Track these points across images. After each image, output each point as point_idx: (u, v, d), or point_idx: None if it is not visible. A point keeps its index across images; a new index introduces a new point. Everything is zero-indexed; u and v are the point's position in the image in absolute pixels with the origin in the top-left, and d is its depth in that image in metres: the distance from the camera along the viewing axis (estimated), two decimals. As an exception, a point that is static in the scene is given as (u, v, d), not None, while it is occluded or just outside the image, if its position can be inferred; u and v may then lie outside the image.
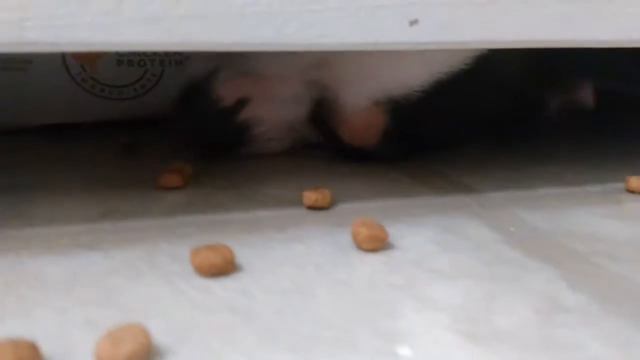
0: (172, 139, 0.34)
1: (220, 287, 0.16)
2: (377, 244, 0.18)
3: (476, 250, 0.19)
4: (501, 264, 0.18)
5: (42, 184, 0.25)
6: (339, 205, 0.23)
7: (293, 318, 0.14)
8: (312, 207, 0.23)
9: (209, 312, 0.15)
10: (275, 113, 0.27)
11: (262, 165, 0.28)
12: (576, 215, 0.22)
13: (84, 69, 0.35)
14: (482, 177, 0.27)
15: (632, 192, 0.25)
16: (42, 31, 0.17)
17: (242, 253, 0.18)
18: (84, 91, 0.35)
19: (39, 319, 0.14)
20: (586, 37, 0.21)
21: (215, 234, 0.20)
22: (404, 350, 0.13)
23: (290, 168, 0.28)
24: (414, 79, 0.25)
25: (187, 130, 0.28)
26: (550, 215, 0.22)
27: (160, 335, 0.14)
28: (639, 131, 0.37)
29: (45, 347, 0.13)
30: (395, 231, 0.20)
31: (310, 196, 0.23)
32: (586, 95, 0.37)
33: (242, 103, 0.27)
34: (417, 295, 0.16)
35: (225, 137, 0.28)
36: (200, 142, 0.29)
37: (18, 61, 0.33)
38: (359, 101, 0.26)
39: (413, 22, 0.20)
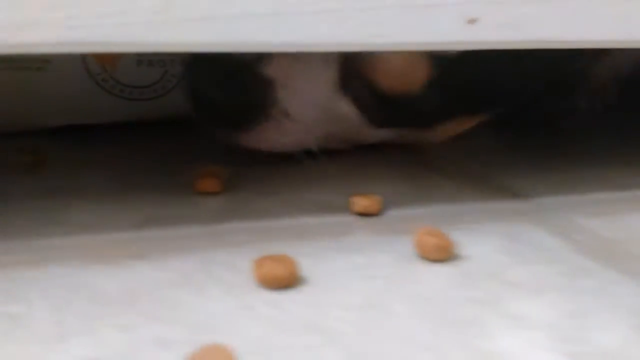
0: (199, 141, 0.33)
1: (290, 301, 0.15)
2: (445, 254, 0.18)
3: (549, 261, 0.18)
4: (581, 276, 0.17)
5: (73, 188, 0.24)
6: (388, 211, 0.22)
7: (380, 337, 0.13)
8: (362, 214, 0.22)
9: (287, 330, 0.14)
10: (303, 73, 0.24)
11: (297, 169, 0.27)
12: (636, 221, 0.22)
13: (104, 69, 0.33)
14: (528, 181, 0.26)
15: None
16: (89, 31, 0.16)
17: (301, 263, 0.17)
18: (103, 92, 0.34)
19: (106, 338, 0.13)
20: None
21: (267, 242, 0.19)
22: (508, 374, 0.12)
23: (325, 172, 0.27)
24: None
25: (201, 96, 0.24)
26: (610, 221, 0.21)
27: (242, 356, 0.13)
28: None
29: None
30: (456, 240, 0.19)
31: (360, 202, 0.22)
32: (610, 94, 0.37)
33: (263, 57, 0.23)
34: (504, 312, 0.15)
35: (249, 96, 0.24)
36: (216, 110, 0.24)
37: (37, 60, 0.32)
38: None
39: (471, 21, 0.19)
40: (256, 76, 0.23)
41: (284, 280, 0.16)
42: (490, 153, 0.32)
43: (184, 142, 0.33)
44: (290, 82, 0.24)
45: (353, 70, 0.25)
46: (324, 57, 0.24)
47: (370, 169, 0.27)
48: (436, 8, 0.18)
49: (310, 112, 0.25)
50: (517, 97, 0.29)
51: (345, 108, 0.26)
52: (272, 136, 0.25)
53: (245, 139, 0.25)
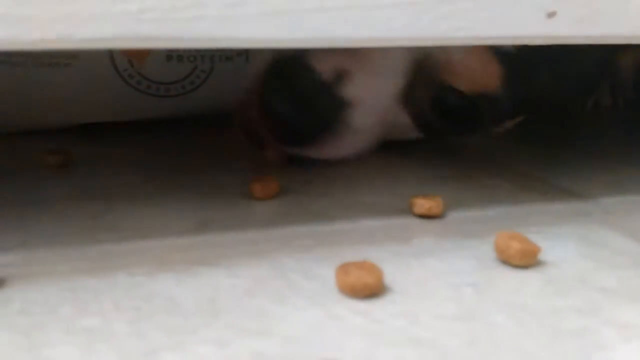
0: (229, 138, 0.32)
1: (381, 311, 0.14)
2: (530, 259, 0.17)
3: (635, 266, 0.17)
4: (676, 282, 0.16)
5: (109, 190, 0.23)
6: (450, 213, 0.21)
7: (489, 350, 0.13)
8: (424, 216, 0.21)
9: (389, 344, 0.13)
10: (374, 87, 0.24)
11: (348, 172, 0.26)
12: None
13: (131, 64, 0.32)
14: (583, 182, 0.25)
15: None
16: (161, 24, 0.15)
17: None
18: (130, 88, 0.33)
19: (200, 353, 0.12)
20: None
21: (335, 247, 0.18)
22: (643, 390, 0.11)
23: (377, 174, 0.26)
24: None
25: (276, 112, 0.24)
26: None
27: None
28: None
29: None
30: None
31: (423, 204, 0.21)
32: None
33: (341, 76, 0.23)
34: (612, 322, 0.14)
35: (323, 115, 0.24)
36: (289, 126, 0.24)
37: (64, 56, 0.31)
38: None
39: (551, 14, 0.18)
40: (333, 97, 0.23)
41: (372, 288, 0.15)
42: (533, 152, 0.31)
43: (214, 139, 0.32)
44: (363, 99, 0.24)
45: (425, 77, 0.24)
46: (394, 69, 0.24)
47: (418, 170, 0.27)
48: (516, 0, 0.18)
49: (372, 122, 0.25)
50: (564, 94, 0.28)
51: (403, 117, 0.26)
52: (334, 147, 0.25)
53: (308, 151, 0.25)
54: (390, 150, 0.27)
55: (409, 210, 0.21)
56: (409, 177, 0.25)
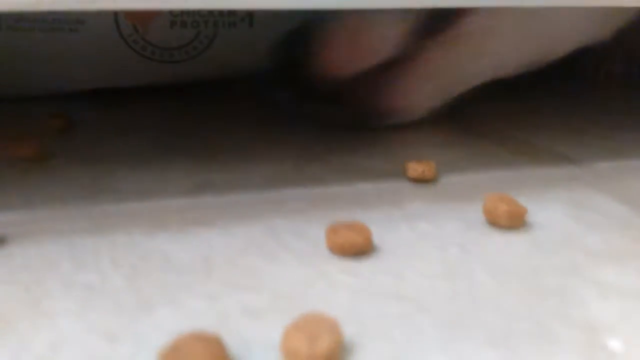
0: (230, 104, 0.32)
1: (369, 270, 0.15)
2: (517, 220, 0.17)
3: (624, 228, 0.17)
4: (659, 243, 0.16)
5: (113, 154, 0.24)
6: (443, 178, 0.22)
7: (471, 307, 0.13)
8: (417, 180, 0.21)
9: (375, 299, 0.13)
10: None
11: (344, 136, 0.26)
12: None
13: (136, 30, 0.32)
14: (579, 147, 0.25)
15: None
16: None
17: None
18: (135, 53, 0.33)
19: (193, 307, 0.13)
20: None
21: (328, 210, 0.18)
22: (614, 343, 0.12)
23: (373, 139, 0.26)
24: None
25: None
26: (672, 188, 0.21)
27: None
28: None
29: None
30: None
31: (416, 168, 0.21)
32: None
33: None
34: (593, 280, 0.14)
35: None
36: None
37: (70, 22, 0.31)
38: None
39: None
40: None
41: (360, 247, 0.15)
42: (531, 118, 0.31)
43: (215, 106, 0.33)
44: None
45: None
46: None
47: (413, 135, 0.27)
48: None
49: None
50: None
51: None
52: None
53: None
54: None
55: (403, 175, 0.22)
56: (404, 143, 0.25)
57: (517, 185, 0.21)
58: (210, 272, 0.14)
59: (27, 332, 0.12)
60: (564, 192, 0.20)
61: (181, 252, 0.15)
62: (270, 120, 0.30)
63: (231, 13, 0.35)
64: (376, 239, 0.17)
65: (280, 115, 0.31)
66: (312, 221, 0.18)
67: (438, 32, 0.24)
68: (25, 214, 0.18)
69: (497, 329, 0.12)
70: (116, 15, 0.32)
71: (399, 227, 0.18)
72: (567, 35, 0.26)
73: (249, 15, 0.35)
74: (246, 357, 0.11)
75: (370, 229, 0.16)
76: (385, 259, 0.15)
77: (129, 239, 0.16)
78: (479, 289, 0.14)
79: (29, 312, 0.13)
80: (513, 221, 0.17)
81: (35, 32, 0.30)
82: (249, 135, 0.26)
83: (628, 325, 0.13)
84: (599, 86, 0.37)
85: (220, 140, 0.26)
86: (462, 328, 0.12)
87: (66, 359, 0.11)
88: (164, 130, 0.27)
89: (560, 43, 0.26)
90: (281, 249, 0.16)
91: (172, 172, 0.22)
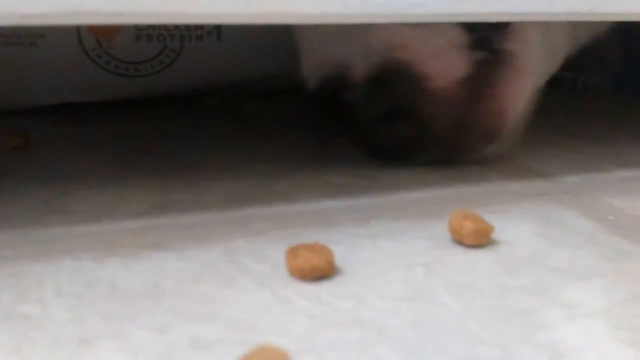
0: (196, 120, 0.32)
1: (329, 294, 0.14)
2: (484, 239, 0.17)
3: (589, 244, 0.17)
4: (623, 259, 0.16)
5: (69, 172, 0.23)
6: (412, 193, 0.21)
7: (433, 331, 0.13)
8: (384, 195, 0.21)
9: (333, 326, 0.13)
10: None
11: (313, 151, 0.26)
12: (664, 201, 0.21)
13: (99, 44, 0.31)
14: (546, 160, 0.25)
15: None
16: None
17: (333, 251, 0.16)
18: (99, 68, 0.32)
19: (138, 339, 0.12)
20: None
21: (291, 229, 0.18)
22: (579, 369, 0.11)
23: (344, 154, 0.26)
24: None
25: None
26: (637, 200, 0.21)
27: (293, 356, 0.12)
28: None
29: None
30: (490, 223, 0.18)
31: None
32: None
33: None
34: (558, 301, 0.14)
35: None
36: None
37: (29, 36, 0.30)
38: None
39: None
40: None
41: (322, 270, 0.15)
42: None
43: (181, 120, 0.32)
44: None
45: None
46: None
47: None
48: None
49: None
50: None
51: None
52: None
53: None
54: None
55: (371, 191, 0.21)
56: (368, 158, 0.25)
57: (486, 201, 0.20)
58: (160, 300, 0.14)
59: (-46, 372, 0.11)
60: (533, 208, 0.20)
61: (130, 278, 0.15)
62: (238, 134, 0.29)
63: (198, 27, 0.34)
64: (339, 259, 0.16)
65: (248, 129, 0.30)
66: (274, 242, 0.17)
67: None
68: (-34, 240, 0.17)
69: (461, 355, 0.12)
70: (78, 29, 0.31)
71: (363, 246, 0.17)
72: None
73: (217, 29, 0.34)
74: (193, 394, 0.11)
75: (332, 250, 0.15)
76: (347, 281, 0.15)
77: (76, 264, 0.15)
78: (442, 312, 0.13)
79: (-40, 349, 0.12)
80: (479, 239, 0.17)
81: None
82: (216, 150, 0.26)
83: (594, 348, 0.12)
84: (578, 98, 0.38)
85: (185, 156, 0.25)
86: (425, 356, 0.12)
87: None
88: (127, 146, 0.26)
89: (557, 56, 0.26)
90: (239, 273, 0.15)
91: (132, 191, 0.21)
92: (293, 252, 0.15)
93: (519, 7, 0.18)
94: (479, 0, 0.17)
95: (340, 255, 0.16)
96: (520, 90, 0.22)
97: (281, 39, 0.33)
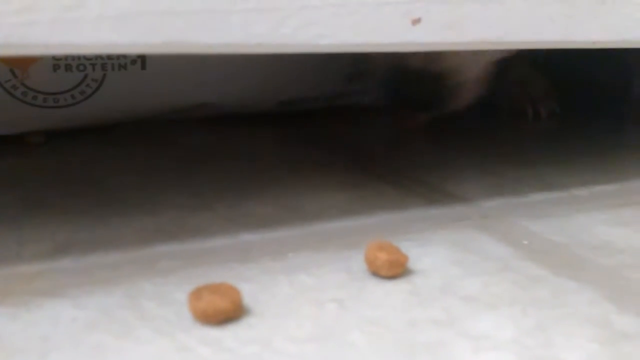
0: (118, 152, 0.30)
1: (234, 339, 0.13)
2: (398, 269, 0.16)
3: (502, 271, 0.17)
4: (535, 285, 0.16)
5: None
6: (334, 222, 0.21)
7: (336, 374, 0.12)
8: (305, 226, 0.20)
9: (232, 375, 0.12)
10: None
11: (235, 180, 0.25)
12: (578, 223, 0.21)
13: (14, 74, 0.30)
14: (467, 184, 0.25)
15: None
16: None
17: (243, 290, 0.15)
18: (15, 100, 0.30)
19: (9, 405, 0.11)
20: (585, 37, 0.21)
21: (203, 267, 0.17)
22: (481, 407, 0.11)
23: (267, 183, 0.25)
24: None
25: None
26: (553, 223, 0.21)
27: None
28: (598, 130, 0.38)
29: None
30: (406, 251, 0.18)
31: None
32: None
33: None
34: (465, 332, 0.14)
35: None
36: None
37: None
38: None
39: (415, 21, 0.18)
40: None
41: (227, 313, 0.14)
42: (425, 156, 0.31)
43: (98, 153, 0.31)
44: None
45: None
46: None
47: (305, 178, 0.26)
48: (382, 7, 0.17)
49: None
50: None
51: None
52: None
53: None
54: (283, 158, 0.27)
55: (293, 222, 0.20)
56: (297, 186, 0.25)
57: (405, 229, 0.20)
58: (46, 356, 0.12)
59: None
60: (450, 234, 0.20)
61: (17, 331, 0.13)
62: (158, 164, 0.28)
63: (121, 55, 0.33)
64: (249, 298, 0.15)
65: (170, 158, 0.29)
66: (181, 283, 0.16)
67: None
68: None
69: (362, 400, 0.11)
70: (-10, 60, 0.30)
71: (278, 282, 0.16)
72: None
73: (141, 58, 0.33)
74: None
75: (240, 290, 0.15)
76: (254, 324, 0.14)
77: (-44, 319, 0.14)
78: (349, 351, 0.13)
79: None
80: (394, 270, 0.16)
81: None
82: (132, 184, 0.24)
83: (498, 382, 0.12)
84: (508, 123, 0.39)
85: (97, 192, 0.24)
86: (325, 402, 0.11)
87: None
88: (37, 183, 0.25)
89: None
90: (137, 320, 0.14)
91: (35, 232, 0.19)
92: (196, 294, 0.14)
93: (425, 38, 0.18)
94: (384, 32, 0.17)
95: (251, 293, 0.15)
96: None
97: (212, 64, 0.33)
